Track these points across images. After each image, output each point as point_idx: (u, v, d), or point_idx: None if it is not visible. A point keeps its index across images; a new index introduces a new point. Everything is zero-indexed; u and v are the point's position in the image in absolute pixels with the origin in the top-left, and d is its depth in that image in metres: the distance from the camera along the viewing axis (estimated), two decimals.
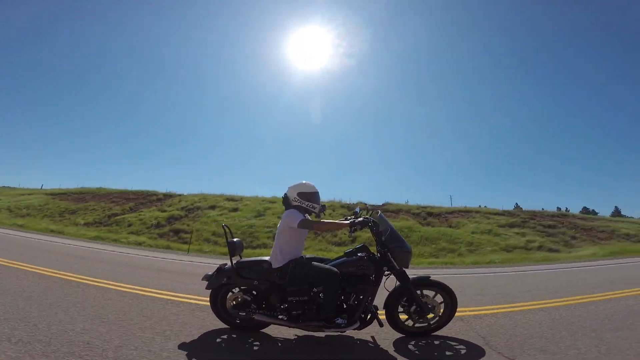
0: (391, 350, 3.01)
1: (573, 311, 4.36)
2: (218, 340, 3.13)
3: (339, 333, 3.19)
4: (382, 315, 3.26)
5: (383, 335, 3.32)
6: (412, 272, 3.46)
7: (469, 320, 3.91)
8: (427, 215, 19.67)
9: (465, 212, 20.18)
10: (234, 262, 3.33)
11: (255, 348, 2.98)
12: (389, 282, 3.28)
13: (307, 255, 3.39)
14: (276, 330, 3.36)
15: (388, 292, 3.28)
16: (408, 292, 3.23)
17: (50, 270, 5.94)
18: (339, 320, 3.02)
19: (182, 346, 2.87)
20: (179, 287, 5.22)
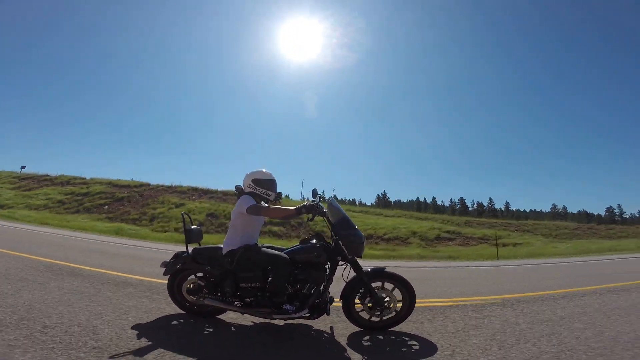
0: (343, 342, 2.91)
1: None
2: (173, 322, 3.17)
3: (290, 320, 3.13)
4: (339, 305, 3.17)
5: (341, 328, 3.23)
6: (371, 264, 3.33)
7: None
8: None
9: None
10: (191, 249, 3.34)
11: (206, 332, 2.98)
12: (349, 273, 3.18)
13: (265, 244, 3.34)
14: (234, 319, 3.35)
15: (346, 283, 3.18)
16: (362, 283, 3.11)
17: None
18: (287, 307, 2.96)
19: (135, 327, 2.92)
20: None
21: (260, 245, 3.25)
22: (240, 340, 2.92)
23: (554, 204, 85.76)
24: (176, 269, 3.28)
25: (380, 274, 3.20)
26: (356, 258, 3.14)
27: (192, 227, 3.48)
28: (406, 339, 3.04)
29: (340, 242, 3.10)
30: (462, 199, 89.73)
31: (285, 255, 3.04)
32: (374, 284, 3.15)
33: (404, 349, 2.83)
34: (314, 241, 3.22)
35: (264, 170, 3.36)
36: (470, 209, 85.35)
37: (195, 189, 26.00)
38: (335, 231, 3.14)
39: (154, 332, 2.88)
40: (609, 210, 78.55)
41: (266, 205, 3.25)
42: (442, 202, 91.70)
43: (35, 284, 4.17)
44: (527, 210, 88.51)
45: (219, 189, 25.91)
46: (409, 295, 3.15)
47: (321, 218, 3.14)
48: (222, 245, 3.27)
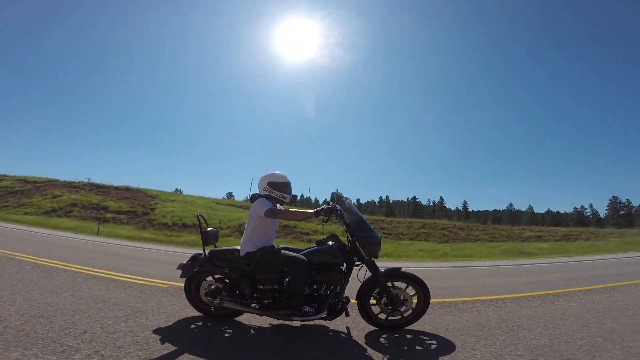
0: (362, 342, 2.96)
1: None
2: (192, 326, 3.20)
3: (309, 321, 3.17)
4: (356, 306, 3.21)
5: (358, 327, 3.27)
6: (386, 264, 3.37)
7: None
8: None
9: None
10: (207, 251, 3.37)
11: (227, 335, 3.01)
12: (364, 274, 3.23)
13: (280, 245, 3.37)
14: (251, 321, 3.38)
15: (361, 283, 3.23)
16: (378, 283, 3.15)
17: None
18: (307, 309, 3.00)
19: (157, 331, 2.94)
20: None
21: (277, 246, 3.29)
22: (260, 342, 2.95)
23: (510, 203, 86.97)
24: (194, 271, 3.31)
25: (396, 273, 3.24)
26: (372, 259, 3.18)
27: (208, 229, 3.50)
28: (424, 337, 3.09)
29: (357, 243, 3.14)
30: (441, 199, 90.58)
31: (304, 257, 3.08)
32: (389, 284, 3.20)
33: (422, 347, 2.89)
34: (330, 242, 3.25)
35: (278, 173, 3.38)
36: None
37: (93, 184, 30.40)
38: (353, 233, 3.18)
39: (175, 335, 2.91)
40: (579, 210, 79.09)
41: (282, 208, 3.28)
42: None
43: None
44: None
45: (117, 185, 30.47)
46: (424, 293, 3.20)
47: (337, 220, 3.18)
48: (239, 247, 3.30)
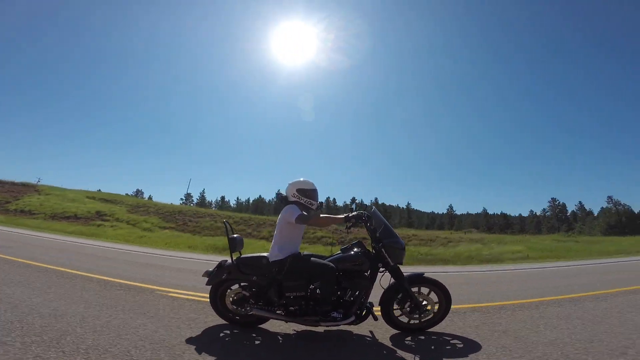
0: (389, 345, 3.07)
1: None
2: (221, 334, 3.19)
3: (335, 327, 3.25)
4: (377, 311, 3.31)
5: (380, 331, 3.38)
6: (405, 270, 3.52)
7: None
8: None
9: None
10: (234, 258, 3.39)
11: (257, 342, 3.04)
12: (385, 280, 3.34)
13: (305, 252, 3.45)
14: (275, 327, 3.41)
15: (383, 289, 3.34)
16: (402, 289, 3.28)
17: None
18: (335, 314, 3.08)
19: (189, 340, 2.93)
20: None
21: (303, 253, 3.36)
22: (291, 347, 3.01)
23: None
24: (221, 279, 3.31)
25: (419, 279, 3.39)
26: (397, 265, 3.32)
27: (235, 235, 3.51)
28: (448, 338, 3.24)
29: (383, 249, 3.26)
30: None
31: (333, 265, 3.16)
32: (413, 289, 3.34)
33: (449, 347, 3.04)
34: (356, 249, 3.36)
35: (306, 180, 3.48)
36: None
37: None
38: (379, 239, 3.30)
39: (209, 345, 2.91)
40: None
41: (308, 214, 3.35)
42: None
43: None
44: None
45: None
46: (445, 298, 3.35)
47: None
48: (265, 254, 3.34)
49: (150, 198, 70.42)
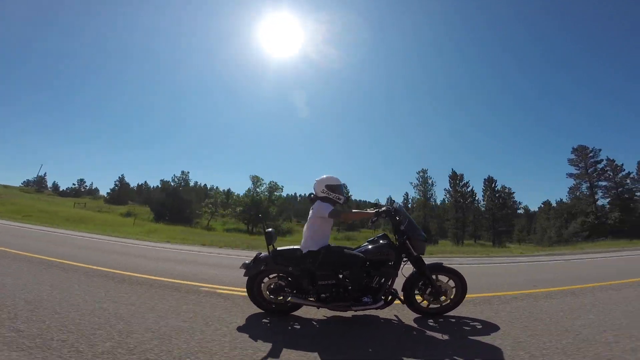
0: (415, 326, 3.40)
1: None
2: (264, 321, 3.43)
3: (364, 311, 3.54)
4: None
5: (404, 315, 3.70)
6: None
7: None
8: None
9: None
10: (270, 250, 3.62)
11: (297, 327, 3.30)
12: (405, 270, 3.65)
13: (332, 244, 3.70)
14: (307, 313, 3.68)
15: (405, 278, 3.65)
16: (424, 277, 3.60)
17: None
18: (366, 299, 3.37)
19: (240, 329, 3.15)
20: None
21: (334, 245, 3.61)
22: (326, 331, 3.27)
23: None
24: (260, 270, 3.54)
25: (439, 267, 3.72)
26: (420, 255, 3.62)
27: (269, 229, 3.73)
28: (467, 320, 3.59)
29: (407, 241, 3.56)
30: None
31: (362, 255, 3.44)
32: (433, 276, 3.65)
33: (469, 328, 3.37)
34: (382, 241, 3.65)
35: (333, 176, 3.71)
36: None
37: None
38: (403, 232, 3.59)
39: (257, 332, 3.13)
40: None
41: (340, 209, 3.61)
42: None
43: None
44: None
45: None
46: (462, 285, 3.69)
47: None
48: (298, 247, 3.59)
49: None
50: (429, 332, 3.22)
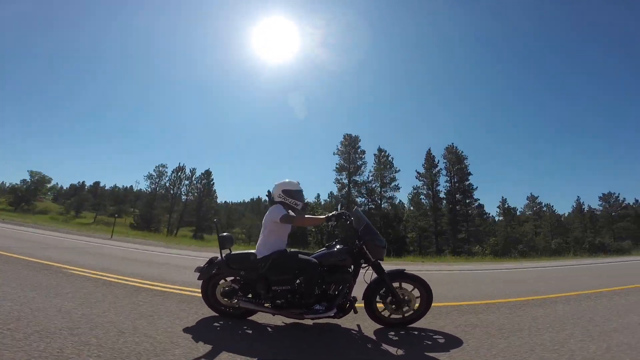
0: (373, 337, 3.17)
1: None
2: (215, 324, 3.34)
3: (319, 319, 3.36)
4: (361, 305, 3.42)
5: (365, 324, 3.48)
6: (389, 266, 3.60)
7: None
8: None
9: None
10: (224, 254, 3.53)
11: (249, 332, 3.18)
12: (370, 276, 3.43)
13: (292, 249, 3.57)
14: (264, 319, 3.54)
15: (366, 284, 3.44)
16: (384, 284, 3.38)
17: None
18: (317, 307, 3.20)
19: (186, 330, 3.08)
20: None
21: (290, 250, 3.47)
22: (279, 337, 3.12)
23: None
24: (212, 273, 3.46)
25: (400, 274, 3.47)
26: (378, 261, 3.41)
27: (224, 234, 3.66)
28: (430, 333, 3.32)
29: (364, 246, 3.36)
30: None
31: (315, 260, 3.29)
32: (394, 285, 3.42)
33: (430, 342, 3.11)
34: (339, 246, 3.48)
35: (292, 181, 3.59)
36: None
37: None
38: (360, 237, 3.40)
39: (205, 334, 3.04)
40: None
41: (294, 214, 3.46)
42: None
43: None
44: None
45: None
46: (427, 294, 3.43)
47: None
48: (253, 251, 3.47)
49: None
50: (384, 346, 2.98)
